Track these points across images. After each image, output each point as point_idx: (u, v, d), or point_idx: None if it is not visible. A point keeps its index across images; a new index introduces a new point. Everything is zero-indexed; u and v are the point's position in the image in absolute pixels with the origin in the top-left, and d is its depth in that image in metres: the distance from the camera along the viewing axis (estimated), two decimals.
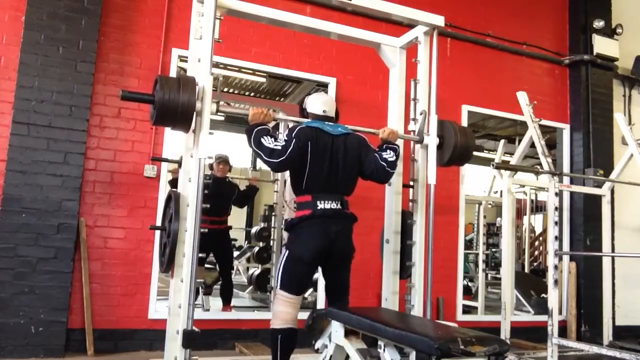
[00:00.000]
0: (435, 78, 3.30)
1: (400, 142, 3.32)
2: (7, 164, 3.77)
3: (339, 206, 2.91)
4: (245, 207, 8.18)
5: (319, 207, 2.86)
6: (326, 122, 3.00)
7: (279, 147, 2.77)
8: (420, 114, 3.36)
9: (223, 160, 5.48)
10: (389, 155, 3.05)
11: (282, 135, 2.88)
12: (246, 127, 2.90)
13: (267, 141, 2.78)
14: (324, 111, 3.07)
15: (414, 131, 3.40)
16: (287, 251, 2.92)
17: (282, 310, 2.87)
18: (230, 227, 5.63)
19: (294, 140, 2.81)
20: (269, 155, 2.77)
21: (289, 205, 3.10)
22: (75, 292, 3.90)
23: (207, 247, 5.09)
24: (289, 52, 4.81)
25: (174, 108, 2.60)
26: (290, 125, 3.33)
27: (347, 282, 3.06)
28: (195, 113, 2.68)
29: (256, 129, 2.82)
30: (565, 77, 6.13)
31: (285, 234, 3.24)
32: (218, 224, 5.25)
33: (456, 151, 3.27)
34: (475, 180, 8.81)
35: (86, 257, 3.94)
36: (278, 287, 2.92)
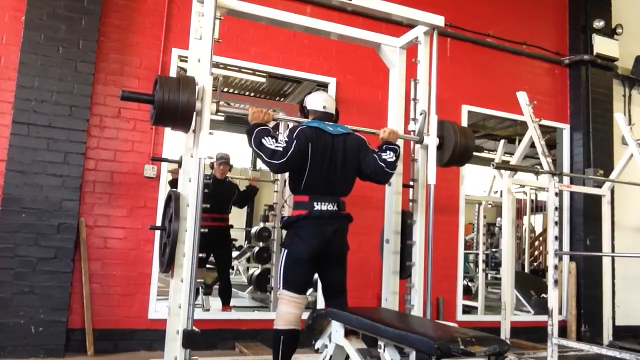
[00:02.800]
0: (435, 78, 3.30)
1: (400, 142, 3.32)
2: (7, 164, 3.77)
3: (335, 208, 2.93)
4: (245, 207, 8.18)
5: (315, 209, 2.88)
6: (326, 122, 3.00)
7: (280, 149, 2.77)
8: (420, 114, 3.36)
9: (224, 161, 5.47)
10: (388, 155, 3.06)
11: (283, 136, 2.88)
12: (247, 128, 2.89)
13: (268, 142, 2.77)
14: (324, 107, 3.09)
15: (414, 131, 3.40)
16: (286, 250, 2.93)
17: (286, 311, 2.86)
18: (232, 226, 5.63)
19: (295, 141, 2.81)
20: (270, 157, 2.76)
21: (290, 205, 3.09)
22: (75, 292, 3.90)
23: (207, 245, 5.07)
24: (289, 52, 4.81)
25: (174, 108, 2.59)
26: (291, 125, 3.32)
27: (343, 282, 3.06)
28: (195, 113, 2.67)
29: (257, 130, 2.82)
30: (565, 77, 6.13)
31: (284, 232, 3.25)
32: (219, 221, 5.25)
33: (456, 151, 3.27)
34: (475, 180, 8.82)
35: (86, 257, 3.94)
36: (281, 287, 2.92)
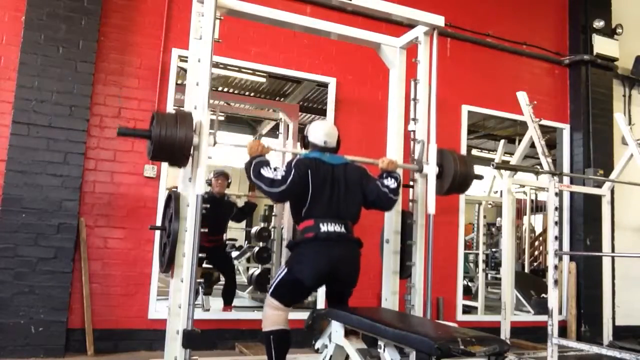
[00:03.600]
0: (435, 78, 3.30)
1: (400, 171, 3.28)
2: (7, 164, 3.77)
3: (343, 230, 2.86)
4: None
5: (322, 230, 2.80)
6: (325, 153, 2.98)
7: (279, 177, 2.75)
8: (418, 143, 3.34)
9: (222, 175, 5.38)
10: (390, 182, 3.03)
11: (282, 167, 2.85)
12: (245, 162, 2.87)
13: (267, 172, 2.75)
14: (325, 142, 3.03)
15: (413, 158, 3.39)
16: (286, 269, 2.88)
17: (273, 314, 2.88)
18: (226, 245, 5.57)
19: (294, 170, 2.79)
20: (269, 185, 2.74)
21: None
22: (75, 292, 3.90)
23: (206, 262, 5.10)
24: (289, 52, 4.81)
25: (171, 143, 2.58)
26: (288, 155, 3.27)
27: (349, 295, 3.04)
28: (192, 147, 2.66)
29: (255, 161, 2.80)
30: (565, 77, 6.13)
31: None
32: (214, 242, 5.15)
33: (456, 180, 3.24)
34: (475, 180, 8.80)
35: (86, 257, 3.94)
36: (270, 292, 2.92)
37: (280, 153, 5.77)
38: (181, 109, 2.81)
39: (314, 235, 2.80)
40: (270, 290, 2.92)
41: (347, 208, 2.92)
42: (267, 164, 2.81)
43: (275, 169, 2.79)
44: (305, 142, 3.12)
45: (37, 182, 3.82)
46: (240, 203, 5.82)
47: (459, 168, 3.24)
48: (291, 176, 2.76)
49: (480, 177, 3.50)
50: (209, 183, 5.29)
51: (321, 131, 3.06)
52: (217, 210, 5.03)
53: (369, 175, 3.07)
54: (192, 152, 2.69)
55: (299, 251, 2.87)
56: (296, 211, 2.92)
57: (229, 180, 5.56)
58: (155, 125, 2.59)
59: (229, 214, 5.54)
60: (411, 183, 3.46)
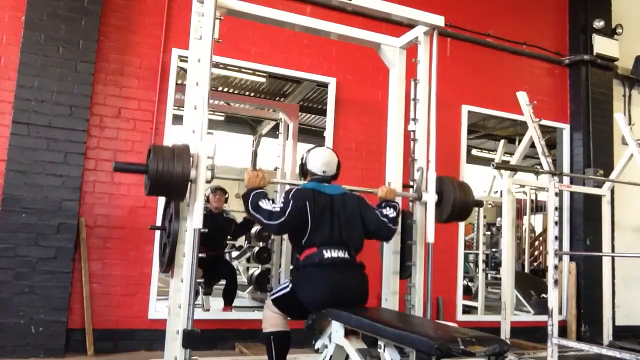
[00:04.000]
0: (435, 78, 3.30)
1: (399, 199, 3.29)
2: (7, 164, 3.77)
3: (346, 255, 2.81)
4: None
5: (326, 256, 2.75)
6: (324, 183, 2.96)
7: (278, 209, 2.71)
8: (417, 171, 3.32)
9: (219, 190, 5.36)
10: (389, 212, 3.01)
11: (279, 199, 2.81)
12: (243, 193, 2.83)
13: (265, 204, 2.72)
14: (323, 172, 2.99)
15: (412, 186, 3.35)
16: (290, 287, 2.84)
17: (272, 316, 2.89)
18: (224, 255, 5.56)
19: (292, 201, 2.75)
20: (268, 218, 2.70)
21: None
22: (75, 292, 3.90)
23: (209, 273, 5.10)
24: (289, 52, 4.81)
25: (168, 178, 2.54)
26: (287, 187, 3.23)
27: None
28: (189, 181, 2.64)
29: (253, 193, 2.77)
30: (565, 77, 6.13)
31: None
32: (213, 253, 5.09)
33: (455, 207, 3.20)
34: (475, 180, 8.81)
35: (86, 257, 3.94)
36: (271, 298, 2.92)
37: (278, 145, 5.78)
38: (177, 144, 2.74)
39: (318, 261, 2.75)
40: (272, 297, 2.92)
41: (350, 236, 2.87)
42: (265, 196, 2.77)
43: (273, 201, 2.75)
44: (303, 170, 3.06)
45: (37, 182, 3.81)
46: (239, 219, 5.76)
47: (458, 195, 3.20)
48: (289, 208, 2.72)
49: (480, 204, 3.47)
50: (207, 199, 5.20)
51: (320, 160, 3.00)
52: (215, 226, 5.00)
53: (368, 204, 3.03)
54: (189, 185, 2.65)
55: (303, 274, 2.81)
56: (295, 242, 2.88)
57: (227, 195, 5.54)
58: (152, 160, 2.55)
59: (227, 230, 5.52)
60: (411, 183, 3.45)
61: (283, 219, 2.70)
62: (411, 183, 3.40)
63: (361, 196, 3.08)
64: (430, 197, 3.21)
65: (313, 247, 2.79)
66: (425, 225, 3.21)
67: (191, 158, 2.64)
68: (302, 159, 3.10)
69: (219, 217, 5.38)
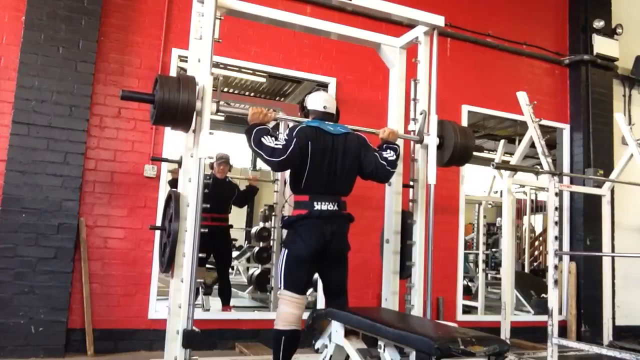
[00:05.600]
0: (435, 78, 3.30)
1: (400, 142, 3.32)
2: (7, 164, 3.77)
3: (335, 207, 2.93)
4: (245, 207, 8.18)
5: (315, 208, 2.88)
6: (326, 122, 3.00)
7: (280, 147, 2.77)
8: (420, 114, 3.36)
9: (224, 161, 5.46)
10: (389, 154, 3.06)
11: (283, 134, 2.88)
12: (245, 128, 2.89)
13: (268, 140, 2.77)
14: (324, 107, 3.07)
15: (414, 131, 3.40)
16: (287, 250, 2.93)
17: (287, 311, 2.86)
18: (231, 226, 5.62)
19: (295, 139, 2.81)
20: (269, 155, 2.76)
21: (291, 204, 3.09)
22: (75, 292, 3.90)
23: (207, 245, 5.06)
24: (289, 52, 4.81)
25: (174, 107, 2.59)
26: (291, 124, 3.31)
27: (344, 282, 3.05)
28: (195, 113, 2.67)
29: (256, 129, 2.81)
30: (565, 77, 6.13)
31: (284, 232, 3.24)
32: (219, 221, 5.23)
33: (456, 151, 3.27)
34: (475, 180, 8.81)
35: (86, 257, 3.94)
36: (281, 287, 2.92)
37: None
38: (183, 73, 2.78)
39: (307, 213, 2.87)
40: (281, 282, 2.92)
41: (343, 183, 2.98)
42: (267, 132, 2.82)
43: (276, 138, 2.81)
44: (305, 112, 3.12)
45: (37, 182, 3.82)
46: (242, 187, 5.89)
47: (460, 139, 3.26)
48: (292, 146, 2.78)
49: (481, 149, 3.50)
50: (211, 167, 5.39)
51: (320, 97, 3.12)
52: (218, 190, 5.20)
53: (369, 146, 3.10)
54: (194, 117, 2.68)
55: (294, 231, 2.93)
56: (294, 181, 2.97)
57: (230, 167, 5.66)
58: (159, 89, 2.59)
59: (231, 194, 5.60)
60: (411, 183, 3.46)
61: (284, 157, 2.76)
62: (412, 128, 3.42)
63: (362, 136, 3.12)
64: (432, 139, 3.26)
65: (306, 195, 2.91)
66: (427, 168, 3.25)
67: (197, 89, 2.65)
68: (302, 102, 3.19)
69: (223, 181, 5.49)
